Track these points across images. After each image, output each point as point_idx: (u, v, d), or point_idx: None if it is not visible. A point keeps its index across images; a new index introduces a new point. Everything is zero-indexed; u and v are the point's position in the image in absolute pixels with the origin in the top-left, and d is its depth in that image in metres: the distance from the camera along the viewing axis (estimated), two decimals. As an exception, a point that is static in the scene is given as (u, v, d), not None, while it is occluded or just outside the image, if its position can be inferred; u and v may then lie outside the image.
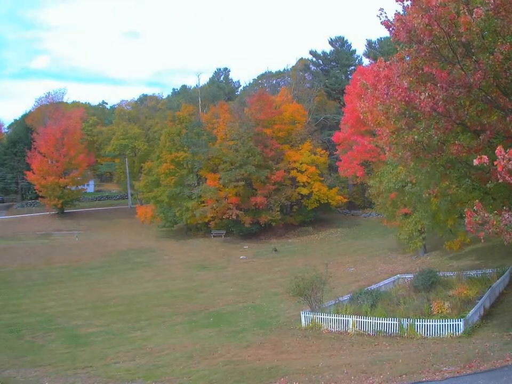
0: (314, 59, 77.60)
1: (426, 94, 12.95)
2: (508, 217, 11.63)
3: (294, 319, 23.21)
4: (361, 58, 75.53)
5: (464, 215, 12.66)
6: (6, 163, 73.39)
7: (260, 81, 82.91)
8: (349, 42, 76.06)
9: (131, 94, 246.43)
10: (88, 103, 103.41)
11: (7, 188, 74.87)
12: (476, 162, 10.54)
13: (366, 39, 75.96)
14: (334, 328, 20.68)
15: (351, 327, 20.15)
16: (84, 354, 19.80)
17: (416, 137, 14.47)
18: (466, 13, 11.99)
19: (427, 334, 18.32)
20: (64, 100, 75.75)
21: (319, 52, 76.44)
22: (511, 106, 13.68)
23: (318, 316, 21.40)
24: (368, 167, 42.14)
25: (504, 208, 12.42)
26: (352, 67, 70.48)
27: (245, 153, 49.68)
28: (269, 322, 23.96)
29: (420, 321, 18.74)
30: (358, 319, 20.10)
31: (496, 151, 10.06)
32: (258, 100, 54.72)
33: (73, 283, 35.02)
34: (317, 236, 51.78)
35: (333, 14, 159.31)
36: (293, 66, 79.96)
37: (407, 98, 13.39)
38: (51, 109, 66.88)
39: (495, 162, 10.11)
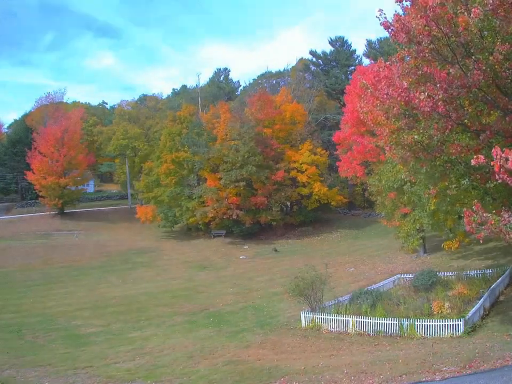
0: (314, 59, 77.57)
1: (426, 94, 12.96)
2: (507, 217, 11.65)
3: (294, 319, 23.21)
4: (361, 59, 75.56)
5: (463, 215, 12.67)
6: (6, 163, 73.47)
7: (259, 81, 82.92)
8: (349, 42, 76.04)
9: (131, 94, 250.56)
10: (88, 103, 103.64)
11: (7, 188, 74.96)
12: (473, 162, 10.55)
13: (366, 39, 76.10)
14: (334, 328, 20.68)
15: (351, 327, 20.15)
16: (84, 354, 19.79)
17: (416, 137, 14.48)
18: (465, 13, 11.99)
19: (427, 334, 18.32)
20: (64, 100, 75.98)
21: (319, 52, 76.47)
22: (511, 106, 13.69)
23: (318, 316, 21.40)
24: (368, 167, 42.14)
25: (504, 208, 12.43)
26: (352, 67, 70.39)
27: (245, 153, 49.65)
28: (269, 322, 23.95)
29: (420, 321, 18.73)
30: (358, 319, 20.10)
31: (492, 151, 10.07)
32: (259, 100, 54.72)
33: (73, 283, 35.02)
34: (317, 236, 51.80)
35: (333, 14, 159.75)
36: (293, 67, 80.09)
37: (407, 99, 13.40)
38: (51, 109, 66.96)
39: (492, 163, 10.11)
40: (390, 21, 13.48)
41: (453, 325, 17.91)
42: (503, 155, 9.75)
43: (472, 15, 11.61)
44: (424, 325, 18.54)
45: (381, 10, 13.34)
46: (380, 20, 13.47)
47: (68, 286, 34.07)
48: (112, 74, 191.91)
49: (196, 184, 55.30)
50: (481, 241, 13.38)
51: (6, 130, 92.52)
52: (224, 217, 50.01)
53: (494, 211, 11.94)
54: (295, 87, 65.85)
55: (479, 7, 11.55)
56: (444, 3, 12.15)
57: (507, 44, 12.19)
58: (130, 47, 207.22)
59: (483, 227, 11.84)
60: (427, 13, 12.13)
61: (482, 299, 20.18)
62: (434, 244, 36.81)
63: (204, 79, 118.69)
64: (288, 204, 58.15)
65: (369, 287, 24.94)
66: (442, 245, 31.37)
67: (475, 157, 10.52)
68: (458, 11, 12.08)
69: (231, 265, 41.08)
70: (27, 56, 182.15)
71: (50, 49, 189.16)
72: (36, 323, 25.00)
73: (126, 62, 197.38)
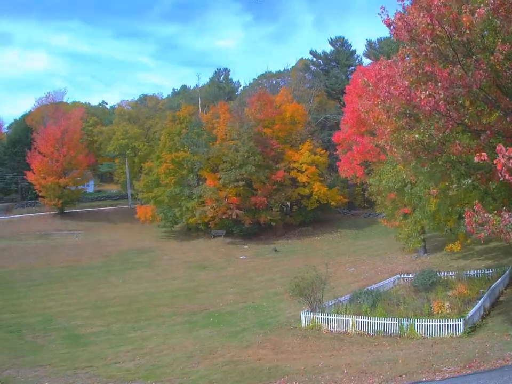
0: (314, 59, 77.61)
1: (427, 92, 12.93)
2: (508, 217, 11.64)
3: (294, 319, 23.19)
4: (361, 59, 75.63)
5: (464, 216, 12.66)
6: (6, 163, 73.36)
7: (260, 81, 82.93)
8: (349, 42, 76.09)
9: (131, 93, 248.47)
10: (88, 103, 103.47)
11: (7, 187, 74.86)
12: (476, 159, 10.54)
13: (366, 39, 76.10)
14: (334, 328, 20.66)
15: (351, 327, 20.14)
16: (84, 354, 19.79)
17: (417, 136, 14.45)
18: (468, 13, 11.96)
19: (427, 334, 18.30)
20: (64, 100, 75.98)
21: (319, 52, 76.52)
22: (511, 106, 13.68)
23: (318, 316, 21.38)
24: (368, 167, 42.12)
25: (504, 208, 12.41)
26: (352, 67, 70.45)
27: (245, 153, 49.65)
28: (269, 322, 23.94)
29: (420, 321, 18.72)
30: (358, 319, 20.09)
31: (496, 148, 10.04)
32: (259, 100, 54.72)
33: (73, 283, 35.01)
34: (317, 236, 51.79)
35: (333, 14, 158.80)
36: (293, 66, 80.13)
37: (408, 97, 13.38)
38: (51, 109, 66.89)
39: (495, 161, 10.09)
40: (392, 19, 13.45)
41: (453, 325, 17.90)
42: (506, 153, 9.73)
43: (476, 14, 11.58)
44: (424, 325, 18.52)
45: (383, 7, 13.33)
46: (382, 17, 13.44)
47: (68, 286, 34.06)
48: (228, 55, 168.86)
49: (195, 184, 55.29)
50: (482, 241, 13.38)
51: (6, 130, 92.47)
52: (224, 217, 49.99)
53: (495, 212, 11.90)
54: (295, 87, 65.83)
55: (484, 8, 11.52)
56: (447, 3, 12.13)
57: (508, 43, 12.17)
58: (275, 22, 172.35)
59: (484, 227, 11.83)
60: (431, 12, 12.09)
61: (482, 299, 20.15)
62: (434, 244, 36.79)
63: (204, 79, 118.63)
64: (288, 204, 58.14)
65: (369, 287, 24.92)
66: (445, 247, 31.31)
67: (478, 154, 10.51)
68: (463, 11, 12.04)
69: (231, 265, 41.07)
70: (137, 27, 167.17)
71: (168, 20, 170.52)
72: (35, 323, 24.99)
73: (254, 42, 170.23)
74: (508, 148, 9.93)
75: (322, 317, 21.20)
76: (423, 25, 12.47)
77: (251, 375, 14.66)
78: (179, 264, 41.88)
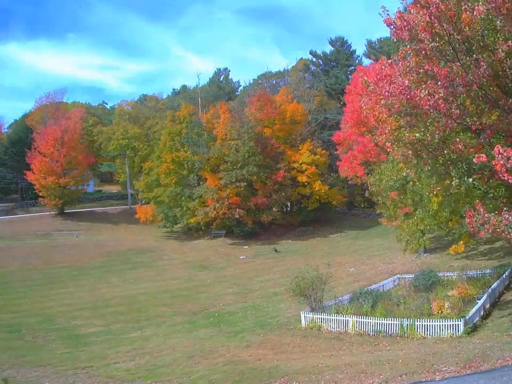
0: (314, 59, 77.67)
1: (426, 91, 12.91)
2: (508, 217, 11.63)
3: (294, 319, 23.17)
4: (361, 59, 75.68)
5: (465, 215, 12.66)
6: (6, 163, 73.39)
7: (259, 81, 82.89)
8: (349, 42, 76.11)
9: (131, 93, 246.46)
10: (88, 103, 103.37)
11: (7, 187, 74.86)
12: (475, 161, 10.54)
13: (366, 39, 76.11)
14: (334, 328, 20.64)
15: (351, 327, 20.11)
16: (84, 354, 19.76)
17: (417, 135, 14.42)
18: (467, 11, 11.95)
19: (427, 334, 18.27)
20: (64, 100, 75.99)
21: (319, 52, 76.53)
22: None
23: (318, 316, 21.36)
24: (368, 167, 42.12)
25: (505, 208, 12.41)
26: (352, 67, 70.48)
27: (245, 153, 49.67)
28: (269, 322, 23.92)
29: (420, 321, 18.68)
30: (358, 319, 20.06)
31: (494, 150, 10.05)
32: (259, 100, 54.72)
33: (73, 283, 35.00)
34: (317, 236, 51.76)
35: (333, 14, 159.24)
36: (293, 67, 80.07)
37: (408, 96, 13.35)
38: (51, 109, 67.02)
39: (494, 162, 10.09)
40: (393, 18, 13.42)
41: (453, 325, 17.86)
42: (504, 154, 9.73)
43: (475, 13, 11.57)
44: (424, 325, 18.48)
45: (383, 7, 13.31)
46: (382, 17, 13.42)
47: (68, 286, 34.05)
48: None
49: (196, 184, 55.31)
50: (483, 241, 13.39)
51: (6, 130, 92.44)
52: (225, 217, 49.98)
53: (496, 212, 11.90)
54: (295, 87, 65.83)
55: (482, 6, 11.50)
56: (447, 1, 12.10)
57: (510, 41, 12.13)
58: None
59: (484, 227, 11.83)
60: (430, 9, 12.07)
61: (482, 299, 20.12)
62: (434, 244, 36.78)
63: (204, 79, 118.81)
64: (288, 204, 58.16)
65: (369, 287, 24.89)
66: (449, 249, 31.15)
67: (477, 155, 10.51)
68: (463, 7, 12.02)
69: (231, 265, 41.05)
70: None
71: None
72: (35, 323, 24.97)
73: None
74: (506, 148, 9.92)
75: (322, 317, 21.18)
76: (422, 23, 12.45)
77: (251, 375, 14.64)
78: (179, 264, 41.88)
